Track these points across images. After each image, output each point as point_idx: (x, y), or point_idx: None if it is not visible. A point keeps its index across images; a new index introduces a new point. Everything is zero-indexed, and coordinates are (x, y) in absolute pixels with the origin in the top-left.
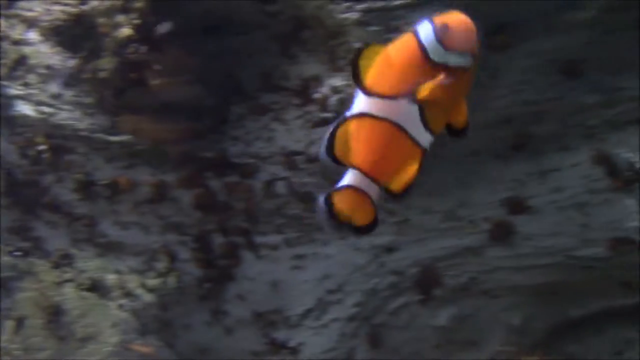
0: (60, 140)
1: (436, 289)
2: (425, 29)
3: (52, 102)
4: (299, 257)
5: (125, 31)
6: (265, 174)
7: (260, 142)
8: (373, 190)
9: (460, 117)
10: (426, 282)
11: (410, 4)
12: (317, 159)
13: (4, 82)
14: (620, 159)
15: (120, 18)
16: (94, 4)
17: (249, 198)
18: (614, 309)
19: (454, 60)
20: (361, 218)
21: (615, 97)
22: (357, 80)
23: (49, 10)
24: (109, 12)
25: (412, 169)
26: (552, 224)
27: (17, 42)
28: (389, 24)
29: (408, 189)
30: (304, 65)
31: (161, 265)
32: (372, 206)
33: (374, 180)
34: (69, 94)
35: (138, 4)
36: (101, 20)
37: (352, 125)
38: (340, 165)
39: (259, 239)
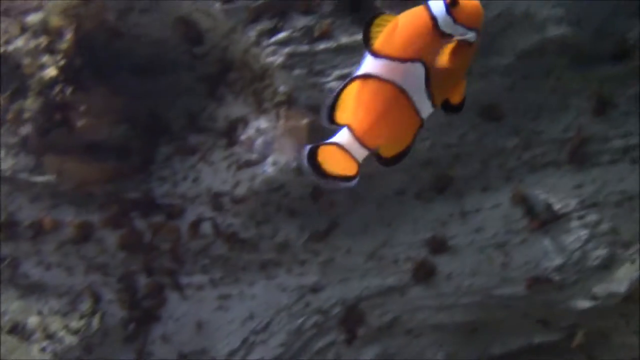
0: None
1: (361, 328)
2: (437, 2)
3: None
4: (224, 297)
5: (50, 72)
6: (191, 215)
7: (187, 182)
8: (361, 153)
9: (458, 93)
10: (351, 322)
11: (334, 49)
12: (242, 200)
13: None
14: (538, 200)
15: (46, 58)
16: (19, 44)
17: (175, 238)
18: (533, 346)
19: (461, 33)
20: (342, 172)
21: (533, 140)
22: (366, 43)
23: None
24: (34, 52)
25: (407, 138)
26: (472, 264)
27: None
28: (313, 68)
29: (399, 158)
30: (231, 106)
31: (85, 306)
32: (356, 166)
33: (365, 144)
34: None
35: (63, 45)
36: (26, 60)
37: (356, 86)
38: (336, 126)
39: (184, 280)
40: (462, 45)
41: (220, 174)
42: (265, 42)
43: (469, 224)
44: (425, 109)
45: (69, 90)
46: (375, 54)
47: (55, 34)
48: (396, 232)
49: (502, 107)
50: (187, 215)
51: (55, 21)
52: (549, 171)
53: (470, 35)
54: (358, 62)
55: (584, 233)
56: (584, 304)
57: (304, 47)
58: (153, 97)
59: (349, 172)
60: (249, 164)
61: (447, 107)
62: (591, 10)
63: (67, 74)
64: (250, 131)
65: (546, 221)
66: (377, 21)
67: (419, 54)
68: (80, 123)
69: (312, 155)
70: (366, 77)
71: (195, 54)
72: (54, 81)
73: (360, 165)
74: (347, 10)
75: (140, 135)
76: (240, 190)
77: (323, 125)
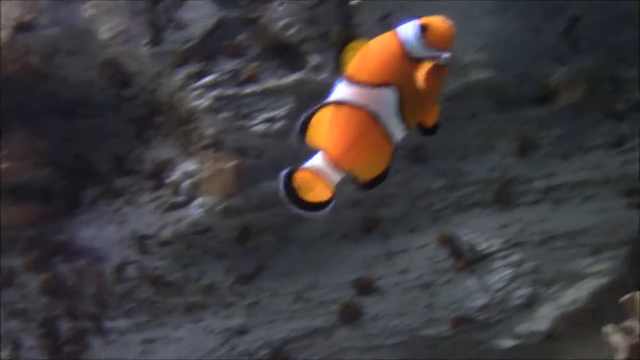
0: None
1: None
2: (407, 26)
3: None
4: (149, 341)
5: None
6: (116, 258)
7: (112, 225)
8: (335, 177)
9: (432, 115)
10: None
11: (261, 92)
12: (168, 242)
13: None
14: (464, 240)
15: None
16: None
17: (99, 282)
18: None
19: (431, 56)
20: (316, 197)
21: (459, 181)
22: (340, 68)
23: None
24: None
25: (382, 162)
26: (399, 304)
27: None
28: (239, 111)
29: (376, 182)
30: (158, 149)
31: (4, 354)
32: (330, 190)
33: (339, 168)
34: None
35: None
36: None
37: (330, 111)
38: (311, 148)
39: (108, 324)
40: (434, 67)
41: (147, 216)
42: (192, 86)
43: (395, 264)
44: (398, 133)
45: None
46: (348, 80)
47: None
48: (323, 273)
49: (428, 148)
50: (112, 259)
51: None
52: (474, 212)
53: (443, 57)
54: (284, 105)
55: (507, 273)
56: (507, 342)
57: (231, 91)
58: (79, 139)
59: (322, 197)
60: (175, 206)
61: (423, 130)
62: (514, 55)
63: None
64: (177, 174)
65: (471, 261)
66: (351, 45)
67: (390, 80)
68: (2, 166)
69: (288, 182)
70: (339, 103)
71: (123, 97)
72: None
73: (334, 190)
74: (274, 54)
75: (65, 177)
76: (166, 233)
77: (293, 143)
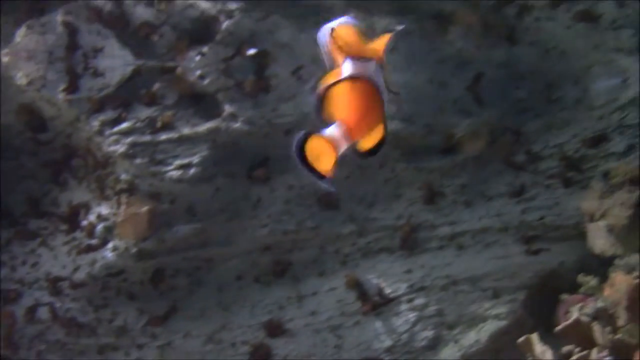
0: None
1: None
2: (339, 21)
3: None
4: None
5: None
6: (28, 300)
7: (26, 267)
8: (342, 146)
9: (390, 80)
10: None
11: (176, 139)
12: (82, 284)
13: None
14: (371, 284)
15: None
16: None
17: (9, 324)
18: None
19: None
20: (321, 166)
21: (367, 227)
22: (340, 50)
23: None
24: None
25: (381, 127)
26: (308, 346)
27: None
28: (154, 157)
29: (379, 146)
30: (74, 192)
31: None
32: (333, 160)
33: (351, 137)
34: None
35: None
36: None
37: (345, 86)
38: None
39: None
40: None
41: (60, 258)
42: (108, 132)
43: (305, 307)
44: (386, 98)
45: None
46: (353, 58)
47: None
48: (235, 315)
49: (339, 195)
50: (24, 300)
51: None
52: (382, 257)
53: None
54: (199, 152)
55: (412, 315)
56: None
57: (147, 137)
58: None
59: (324, 166)
60: (89, 249)
61: (393, 94)
62: (421, 107)
63: None
64: (91, 217)
65: (378, 304)
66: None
67: (371, 53)
68: None
69: (301, 143)
70: (352, 77)
71: (39, 140)
72: None
73: (336, 162)
74: (190, 103)
75: None
76: (80, 275)
77: (313, 117)
